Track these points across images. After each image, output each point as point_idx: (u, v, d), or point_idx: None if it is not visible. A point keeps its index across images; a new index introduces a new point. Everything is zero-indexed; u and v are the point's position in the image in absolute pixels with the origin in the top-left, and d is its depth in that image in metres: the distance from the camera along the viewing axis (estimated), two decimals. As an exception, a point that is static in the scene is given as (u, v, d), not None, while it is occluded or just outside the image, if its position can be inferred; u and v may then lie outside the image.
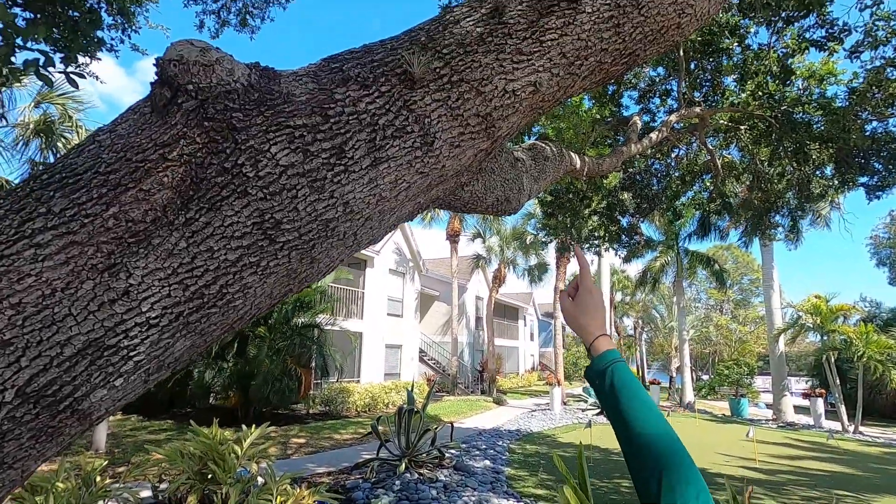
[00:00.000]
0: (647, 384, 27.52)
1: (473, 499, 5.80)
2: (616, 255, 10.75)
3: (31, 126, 9.20)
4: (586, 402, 17.43)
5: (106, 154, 1.06)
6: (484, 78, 1.35)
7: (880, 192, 7.44)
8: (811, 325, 17.28)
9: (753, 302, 40.08)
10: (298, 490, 4.95)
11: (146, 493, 5.43)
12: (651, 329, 39.66)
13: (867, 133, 6.17)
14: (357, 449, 9.10)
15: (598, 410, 16.18)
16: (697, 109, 6.63)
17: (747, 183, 9.29)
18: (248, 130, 1.12)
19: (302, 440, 9.76)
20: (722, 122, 7.96)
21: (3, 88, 8.85)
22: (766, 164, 8.58)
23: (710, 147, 7.96)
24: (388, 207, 1.37)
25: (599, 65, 1.50)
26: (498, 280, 24.92)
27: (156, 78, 1.14)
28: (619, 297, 39.19)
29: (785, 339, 18.91)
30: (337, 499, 5.23)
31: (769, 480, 7.93)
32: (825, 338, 17.05)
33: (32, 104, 9.40)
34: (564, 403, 18.18)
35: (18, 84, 9.03)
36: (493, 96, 1.37)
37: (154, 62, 1.15)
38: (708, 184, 9.17)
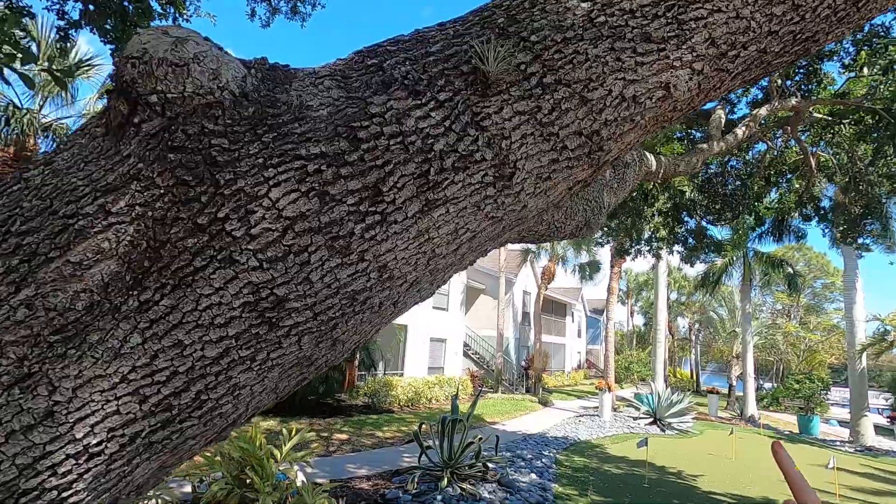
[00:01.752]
0: (705, 391, 25.92)
1: (519, 522, 5.40)
2: (681, 260, 9.87)
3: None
4: (638, 409, 16.50)
5: (28, 202, 0.71)
6: (591, 78, 0.90)
7: None
8: (901, 341, 15.53)
9: (827, 308, 36.90)
10: (335, 505, 4.73)
11: (187, 489, 5.43)
12: (710, 332, 37.42)
13: None
14: (399, 450, 8.90)
15: (651, 420, 15.27)
16: (793, 101, 5.78)
17: (842, 184, 8.19)
18: (235, 165, 0.74)
19: (344, 436, 9.69)
20: (818, 115, 6.98)
21: (70, 80, 9.13)
22: (866, 163, 7.51)
23: (804, 143, 7.03)
24: (442, 265, 0.96)
25: (761, 56, 1.01)
26: (547, 276, 24.10)
27: (113, 85, 0.78)
28: (674, 296, 37.25)
29: (868, 355, 17.13)
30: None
31: (855, 522, 7.03)
32: (917, 355, 15.27)
33: (97, 95, 9.69)
34: (615, 409, 17.33)
35: (85, 76, 9.32)
36: (605, 105, 0.92)
37: (113, 61, 0.79)
38: (797, 184, 8.15)
